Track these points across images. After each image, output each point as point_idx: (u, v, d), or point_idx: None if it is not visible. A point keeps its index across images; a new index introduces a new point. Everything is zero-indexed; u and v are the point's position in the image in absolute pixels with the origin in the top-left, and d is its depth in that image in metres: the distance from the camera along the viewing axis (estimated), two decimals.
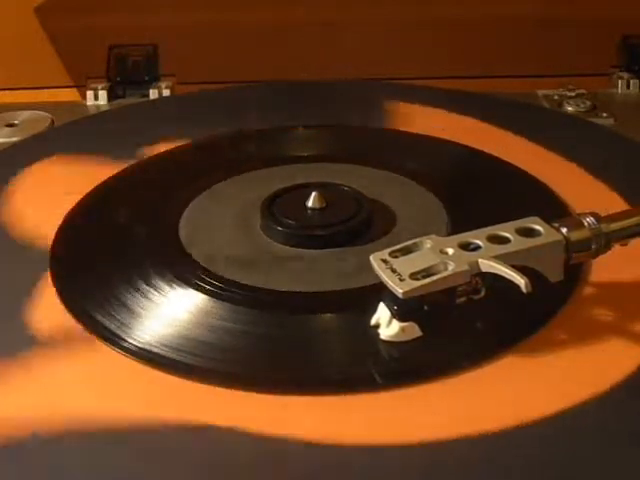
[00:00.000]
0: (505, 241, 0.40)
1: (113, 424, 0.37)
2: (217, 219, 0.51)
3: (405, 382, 0.39)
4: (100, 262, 0.48)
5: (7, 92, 0.72)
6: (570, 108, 0.66)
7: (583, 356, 0.40)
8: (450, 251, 0.40)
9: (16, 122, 0.65)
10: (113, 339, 0.42)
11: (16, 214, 0.52)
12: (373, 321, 0.41)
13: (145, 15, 0.74)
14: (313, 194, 0.49)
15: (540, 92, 0.68)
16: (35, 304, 0.45)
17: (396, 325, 0.40)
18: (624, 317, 0.42)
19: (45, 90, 0.73)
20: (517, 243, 0.40)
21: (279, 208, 0.49)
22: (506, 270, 0.39)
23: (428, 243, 0.41)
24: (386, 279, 0.39)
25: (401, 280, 0.39)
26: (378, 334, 0.40)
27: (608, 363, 0.40)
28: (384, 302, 0.40)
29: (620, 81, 0.70)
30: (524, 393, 0.38)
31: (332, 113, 0.63)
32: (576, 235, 0.41)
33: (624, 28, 0.72)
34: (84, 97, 0.69)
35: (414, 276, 0.39)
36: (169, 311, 0.43)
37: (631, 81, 0.69)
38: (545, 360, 0.40)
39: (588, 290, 0.44)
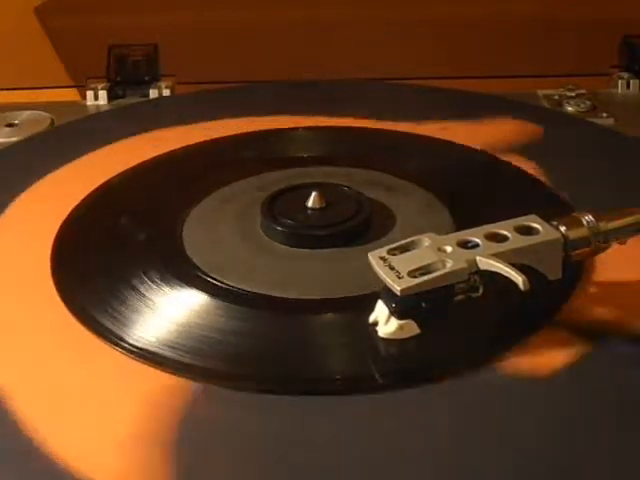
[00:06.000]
0: (503, 239, 0.40)
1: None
2: (217, 219, 0.51)
3: (403, 380, 0.39)
4: (100, 262, 0.48)
5: (7, 92, 0.72)
6: (570, 108, 0.66)
7: (583, 355, 0.40)
8: (448, 249, 0.40)
9: (16, 122, 0.65)
10: (113, 339, 0.42)
11: (16, 214, 0.52)
12: (371, 319, 0.41)
13: (145, 15, 0.74)
14: (313, 194, 0.49)
15: (540, 92, 0.68)
16: (36, 303, 0.45)
17: (394, 323, 0.40)
18: (624, 316, 0.42)
19: (45, 90, 0.73)
20: (515, 241, 0.40)
21: (279, 208, 0.49)
22: (504, 268, 0.39)
23: (426, 241, 0.41)
24: (384, 276, 0.39)
25: (399, 278, 0.39)
26: (376, 332, 0.40)
27: (608, 362, 0.40)
28: (382, 300, 0.40)
29: (620, 81, 0.69)
30: (523, 393, 0.38)
31: (332, 113, 0.63)
32: (574, 233, 0.41)
33: (624, 28, 0.72)
34: (84, 97, 0.69)
35: (412, 274, 0.39)
36: (169, 311, 0.43)
37: (631, 81, 0.69)
38: (544, 359, 0.40)
39: (588, 289, 0.44)
